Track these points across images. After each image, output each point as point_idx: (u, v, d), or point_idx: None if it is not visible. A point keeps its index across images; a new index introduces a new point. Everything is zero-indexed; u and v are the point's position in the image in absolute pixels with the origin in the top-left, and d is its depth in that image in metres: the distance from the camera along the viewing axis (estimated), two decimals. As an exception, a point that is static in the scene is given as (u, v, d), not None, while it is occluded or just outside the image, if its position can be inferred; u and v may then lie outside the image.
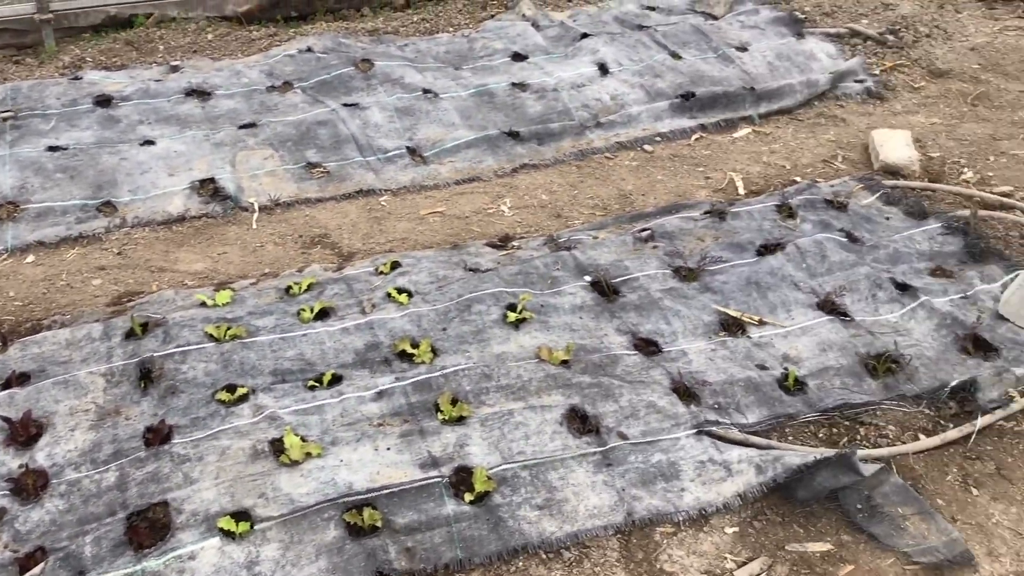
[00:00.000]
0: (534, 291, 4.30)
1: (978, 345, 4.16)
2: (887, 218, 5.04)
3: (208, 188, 5.21)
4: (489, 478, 3.38)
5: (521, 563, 3.22)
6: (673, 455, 3.55)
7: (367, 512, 3.22)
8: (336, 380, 3.82)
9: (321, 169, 5.43)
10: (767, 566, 3.25)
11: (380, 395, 3.73)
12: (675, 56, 6.50)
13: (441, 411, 3.64)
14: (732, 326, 4.23)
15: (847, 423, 3.82)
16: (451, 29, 7.21)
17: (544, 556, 3.25)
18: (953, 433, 3.76)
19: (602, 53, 6.51)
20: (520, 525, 3.28)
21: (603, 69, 6.35)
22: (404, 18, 7.44)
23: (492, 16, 7.41)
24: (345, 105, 5.91)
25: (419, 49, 6.71)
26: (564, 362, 3.90)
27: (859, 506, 3.44)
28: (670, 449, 3.58)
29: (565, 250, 4.64)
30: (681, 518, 3.39)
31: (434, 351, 3.95)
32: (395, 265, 4.53)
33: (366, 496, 3.30)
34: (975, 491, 3.56)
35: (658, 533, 3.35)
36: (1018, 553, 3.33)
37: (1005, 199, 5.20)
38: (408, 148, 5.61)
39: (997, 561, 3.30)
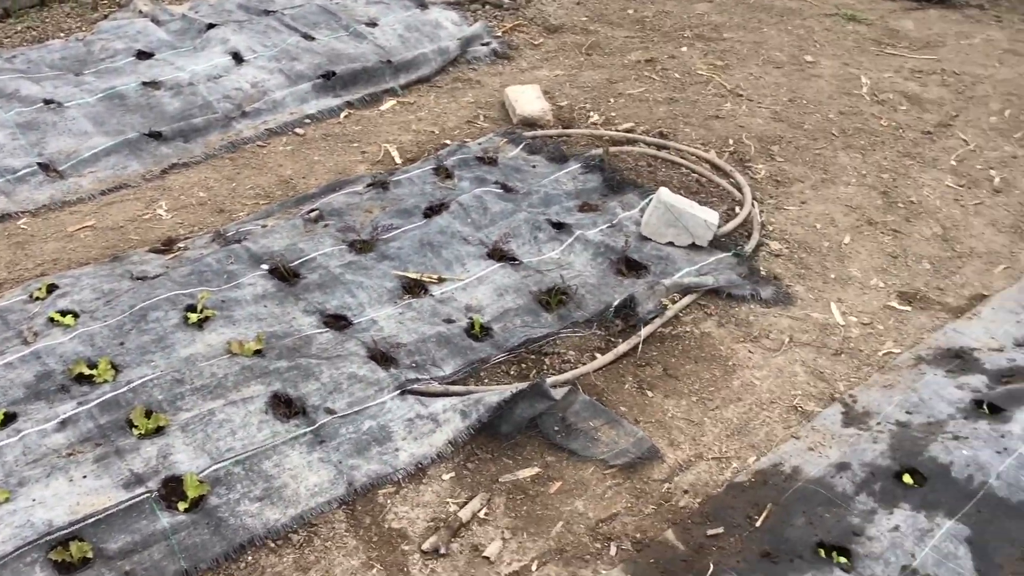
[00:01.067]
0: (211, 288, 4.18)
1: (630, 266, 4.62)
2: (533, 166, 5.42)
3: None
4: (201, 482, 3.29)
5: (251, 557, 3.18)
6: (382, 419, 3.64)
7: (74, 546, 3.02)
8: (10, 418, 3.50)
9: (-59, 200, 4.89)
10: (486, 500, 3.45)
11: (64, 424, 3.47)
12: (308, 38, 6.50)
13: (136, 426, 3.47)
14: (414, 288, 4.37)
15: (533, 356, 4.11)
16: (62, 35, 6.70)
17: (273, 544, 3.22)
18: (623, 347, 4.16)
19: (233, 42, 6.36)
20: (243, 520, 3.22)
21: (237, 58, 6.22)
22: (6, 28, 6.80)
23: (106, 16, 6.97)
24: (-45, 127, 5.34)
25: (30, 59, 6.19)
26: (257, 352, 3.85)
27: (556, 428, 3.73)
28: (378, 414, 3.66)
29: (236, 243, 4.54)
30: (400, 476, 3.50)
31: (115, 368, 3.73)
32: (52, 288, 4.20)
33: (70, 530, 3.09)
34: (650, 393, 3.98)
35: (381, 495, 3.44)
36: (694, 438, 3.77)
37: (629, 135, 5.77)
38: (40, 164, 5.18)
39: (679, 449, 3.72)
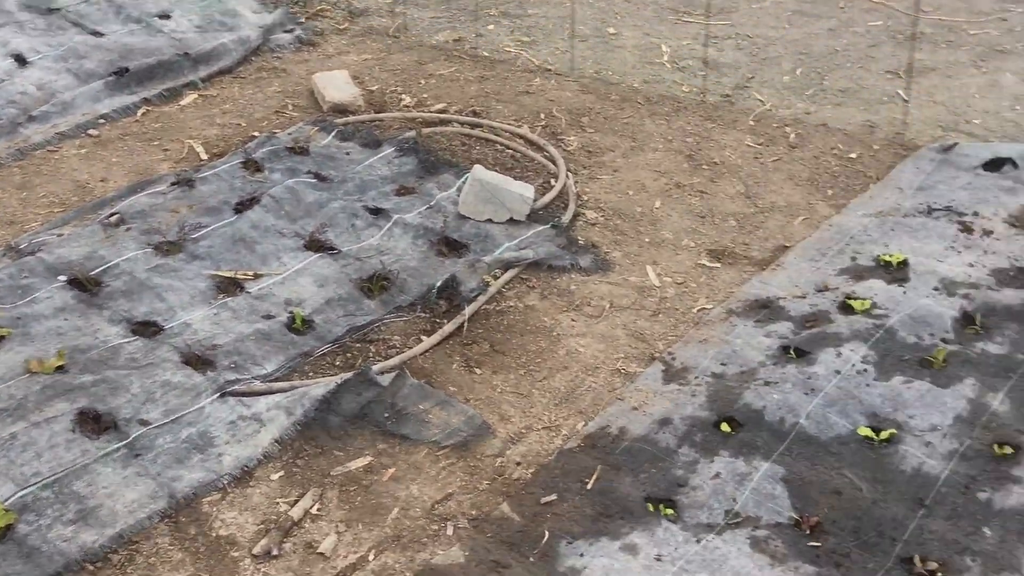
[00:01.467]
0: (4, 305, 3.93)
1: (450, 246, 4.61)
2: (347, 153, 5.33)
3: None
4: (7, 510, 3.08)
5: (69, 584, 3.01)
6: (202, 425, 3.51)
7: None
8: None
9: None
10: (318, 496, 3.38)
11: None
12: (97, 34, 6.18)
13: (-72, 460, 3.22)
14: (229, 286, 4.23)
15: (359, 345, 4.05)
16: None
17: (92, 567, 3.06)
18: (449, 327, 4.16)
19: (15, 44, 5.98)
20: (56, 546, 3.04)
21: (20, 60, 5.85)
22: None
23: None
24: None
25: None
26: (60, 368, 3.63)
27: (386, 415, 3.69)
28: (197, 420, 3.53)
29: (29, 255, 4.28)
30: (226, 482, 3.38)
31: (-100, 400, 3.45)
32: None
33: None
34: (478, 371, 3.99)
35: (206, 503, 3.31)
36: (524, 411, 3.80)
37: (442, 115, 5.76)
38: None
39: (509, 423, 3.75)
